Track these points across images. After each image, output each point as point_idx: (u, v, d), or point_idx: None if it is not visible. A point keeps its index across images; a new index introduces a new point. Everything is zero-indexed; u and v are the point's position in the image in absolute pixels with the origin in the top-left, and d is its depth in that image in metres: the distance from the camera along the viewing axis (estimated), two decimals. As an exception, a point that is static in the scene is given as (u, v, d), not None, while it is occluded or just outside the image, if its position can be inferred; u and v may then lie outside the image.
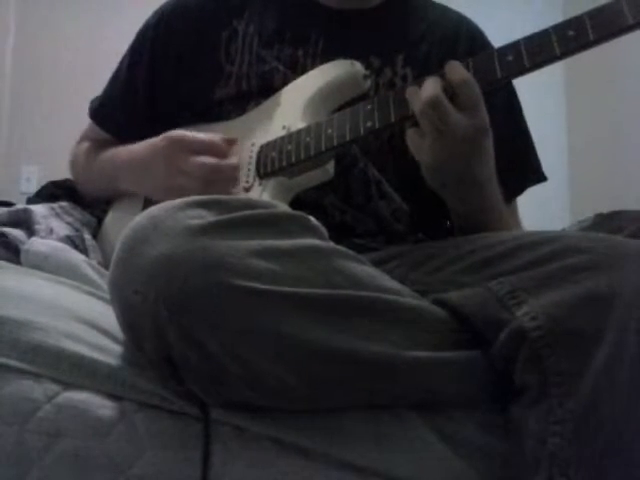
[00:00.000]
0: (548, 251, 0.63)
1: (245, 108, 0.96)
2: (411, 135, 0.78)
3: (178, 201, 0.60)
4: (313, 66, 0.93)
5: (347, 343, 0.58)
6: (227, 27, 0.99)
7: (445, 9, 1.07)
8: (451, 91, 0.75)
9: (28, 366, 0.59)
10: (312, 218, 0.65)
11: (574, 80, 3.09)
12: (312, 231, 0.64)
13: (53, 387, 0.58)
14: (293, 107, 0.91)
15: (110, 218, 1.06)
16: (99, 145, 1.08)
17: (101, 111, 1.09)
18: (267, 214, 0.62)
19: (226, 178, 0.87)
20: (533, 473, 0.56)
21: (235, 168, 0.88)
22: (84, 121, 1.14)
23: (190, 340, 0.55)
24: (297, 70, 0.95)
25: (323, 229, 0.66)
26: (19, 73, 3.01)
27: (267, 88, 0.95)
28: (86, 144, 1.12)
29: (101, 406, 0.58)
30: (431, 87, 0.74)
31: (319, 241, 0.63)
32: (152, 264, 0.55)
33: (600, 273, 0.59)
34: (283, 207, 0.68)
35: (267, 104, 0.94)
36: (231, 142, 0.90)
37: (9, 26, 3.03)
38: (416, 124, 0.77)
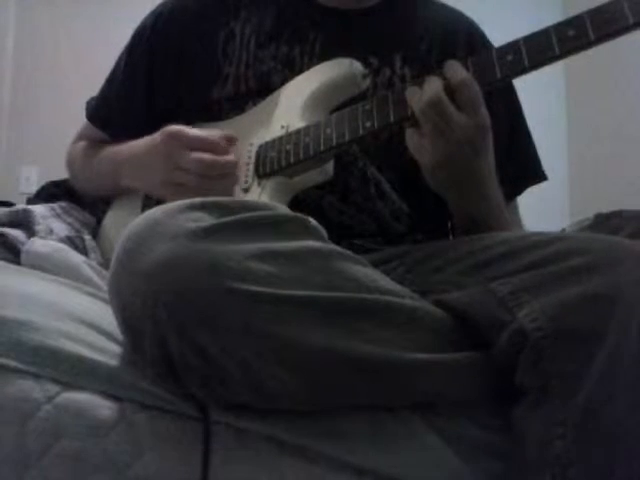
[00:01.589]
0: (549, 253, 0.63)
1: (243, 108, 0.96)
2: (410, 135, 0.78)
3: (177, 203, 0.60)
4: (311, 66, 0.93)
5: (347, 345, 0.58)
6: (224, 27, 0.99)
7: (444, 7, 1.07)
8: (450, 91, 0.75)
9: (28, 366, 0.59)
10: (312, 219, 0.65)
11: (574, 80, 3.09)
12: (311, 233, 0.64)
13: (53, 387, 0.58)
14: (291, 107, 0.91)
15: (109, 218, 1.05)
16: (97, 144, 1.08)
17: (98, 112, 1.09)
18: (266, 216, 0.61)
19: (224, 175, 0.85)
20: (536, 475, 0.56)
21: (233, 165, 0.86)
22: (84, 121, 1.13)
23: (190, 343, 0.54)
24: (295, 70, 0.95)
25: (323, 230, 0.66)
26: (19, 73, 3.01)
27: (265, 88, 0.95)
28: (83, 143, 1.11)
29: (101, 406, 0.58)
30: (432, 87, 0.74)
31: (319, 243, 0.63)
32: (151, 267, 0.55)
33: (601, 274, 0.59)
34: (282, 209, 0.68)
35: (265, 104, 0.94)
36: (230, 140, 0.88)
37: (9, 26, 3.03)
38: (415, 124, 0.77)
